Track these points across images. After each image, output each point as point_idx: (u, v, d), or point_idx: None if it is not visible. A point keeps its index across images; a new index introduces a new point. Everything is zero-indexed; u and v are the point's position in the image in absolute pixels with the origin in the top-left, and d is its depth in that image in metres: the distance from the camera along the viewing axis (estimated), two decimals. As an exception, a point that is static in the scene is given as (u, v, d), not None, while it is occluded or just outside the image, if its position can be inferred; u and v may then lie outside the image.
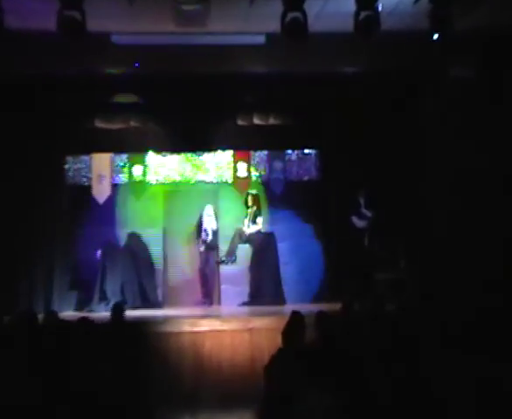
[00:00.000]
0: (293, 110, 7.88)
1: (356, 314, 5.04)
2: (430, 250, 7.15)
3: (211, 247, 8.15)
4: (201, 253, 8.16)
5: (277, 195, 8.57)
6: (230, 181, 8.62)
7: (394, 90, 7.49)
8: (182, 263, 8.35)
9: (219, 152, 8.57)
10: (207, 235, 8.04)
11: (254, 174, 8.68)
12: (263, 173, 8.71)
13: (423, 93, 7.48)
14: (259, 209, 8.28)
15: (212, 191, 8.56)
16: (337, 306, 5.20)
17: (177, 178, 8.59)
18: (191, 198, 8.45)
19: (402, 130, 7.62)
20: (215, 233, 8.16)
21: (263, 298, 7.77)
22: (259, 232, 8.20)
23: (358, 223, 7.57)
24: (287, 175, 8.63)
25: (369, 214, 7.56)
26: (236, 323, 6.24)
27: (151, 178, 8.54)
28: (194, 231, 8.21)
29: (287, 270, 8.14)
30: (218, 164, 8.65)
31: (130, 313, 6.30)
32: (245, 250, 8.19)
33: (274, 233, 8.24)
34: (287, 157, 8.68)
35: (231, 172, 8.59)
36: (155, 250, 8.25)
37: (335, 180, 8.25)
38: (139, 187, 8.43)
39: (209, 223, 8.08)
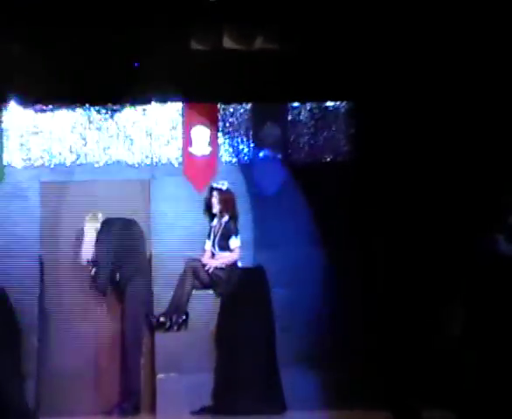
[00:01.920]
0: (301, 23, 7.87)
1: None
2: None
3: (124, 292, 8.16)
4: (112, 308, 8.26)
5: (270, 192, 8.58)
6: (176, 163, 8.65)
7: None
8: (78, 328, 8.23)
9: (155, 106, 8.62)
10: (92, 268, 8.21)
11: (225, 149, 8.66)
12: (243, 148, 8.55)
13: None
14: (233, 219, 8.34)
15: (140, 183, 8.62)
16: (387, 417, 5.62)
17: (70, 158, 8.60)
18: (98, 198, 8.48)
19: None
20: (112, 269, 8.19)
21: (242, 399, 7.82)
22: (233, 266, 8.24)
23: (508, 248, 7.66)
24: (291, 153, 8.61)
25: None
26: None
27: (15, 158, 8.57)
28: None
29: (289, 342, 8.14)
30: (153, 130, 8.63)
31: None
32: (205, 303, 8.20)
33: (264, 269, 8.27)
34: (290, 116, 8.65)
35: (180, 146, 8.63)
36: (24, 302, 8.12)
37: (387, 162, 8.37)
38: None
39: (90, 247, 8.22)
